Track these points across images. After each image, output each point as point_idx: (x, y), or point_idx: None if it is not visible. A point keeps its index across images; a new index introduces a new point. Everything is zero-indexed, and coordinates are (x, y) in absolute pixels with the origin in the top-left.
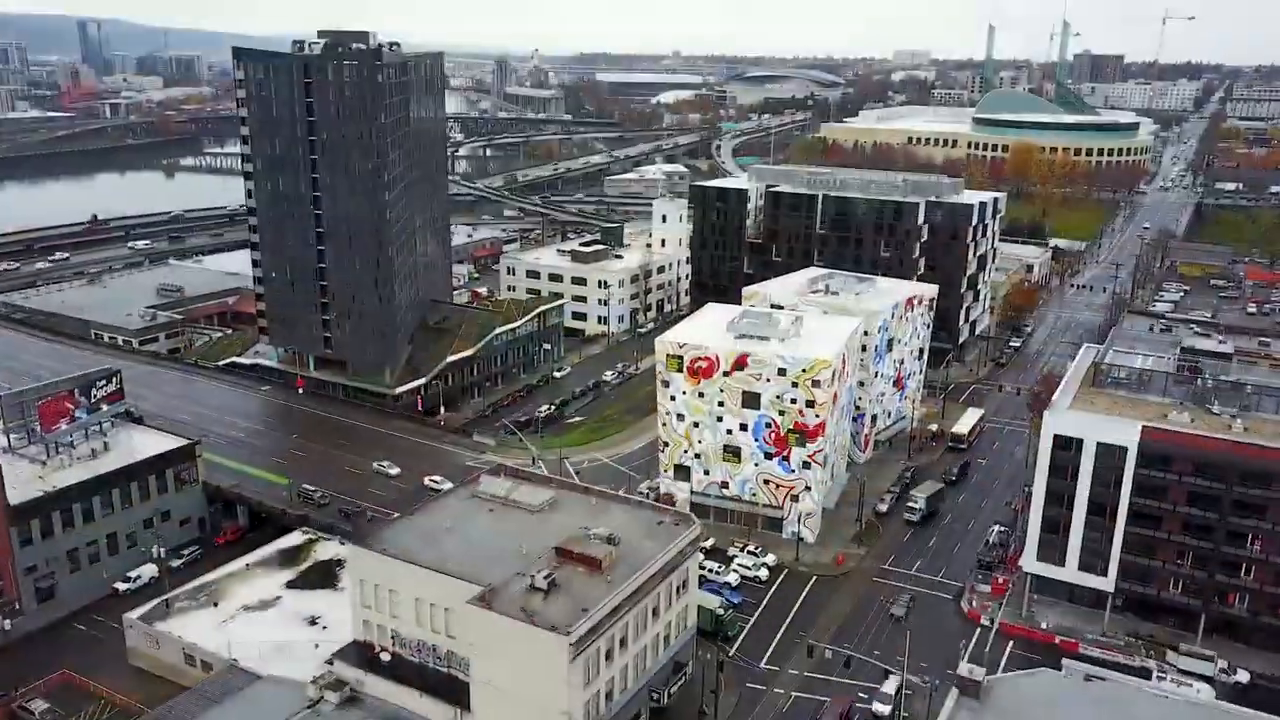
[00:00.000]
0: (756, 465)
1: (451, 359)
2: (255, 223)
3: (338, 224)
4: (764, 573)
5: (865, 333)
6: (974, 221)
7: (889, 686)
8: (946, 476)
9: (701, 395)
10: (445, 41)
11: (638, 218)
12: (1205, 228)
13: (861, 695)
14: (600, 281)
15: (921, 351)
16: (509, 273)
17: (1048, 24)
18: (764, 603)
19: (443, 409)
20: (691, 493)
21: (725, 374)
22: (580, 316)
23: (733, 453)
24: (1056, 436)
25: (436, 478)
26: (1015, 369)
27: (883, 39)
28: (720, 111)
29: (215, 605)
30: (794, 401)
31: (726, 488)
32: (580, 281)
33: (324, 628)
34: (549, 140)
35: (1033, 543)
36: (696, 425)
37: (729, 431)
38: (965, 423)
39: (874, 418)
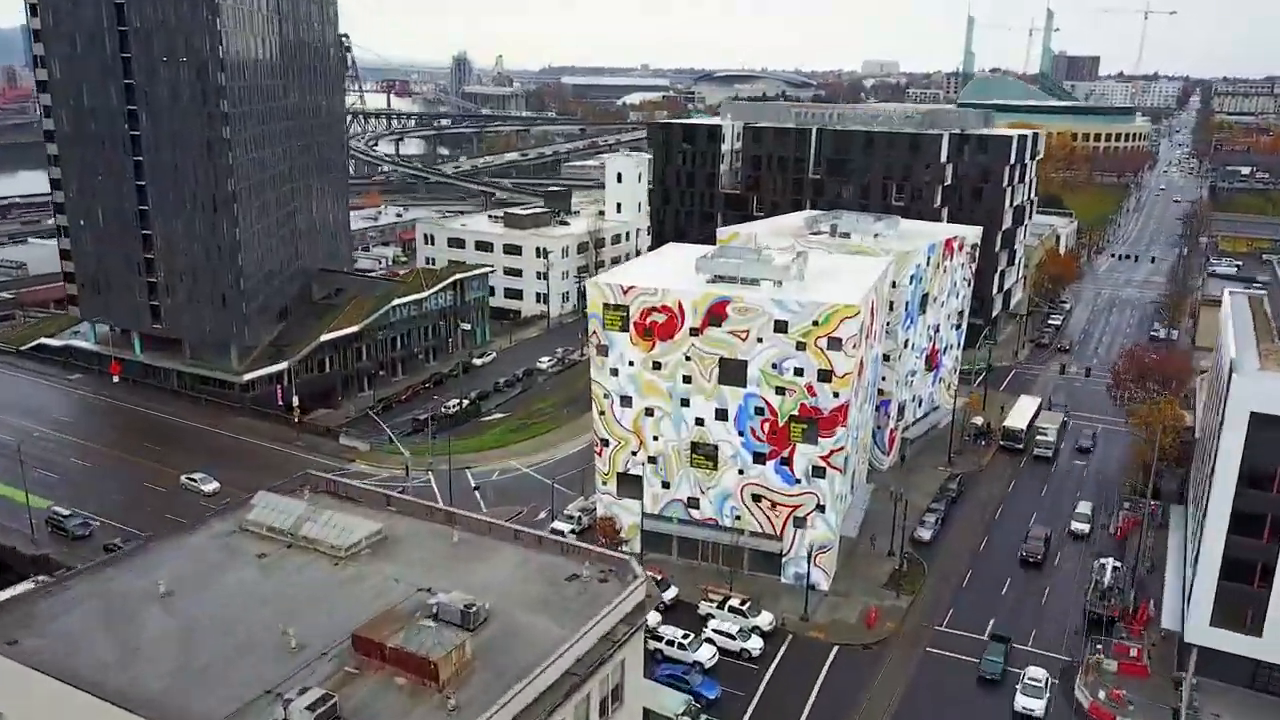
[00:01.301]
0: (742, 473)
1: (327, 338)
2: (56, 151)
3: (161, 154)
4: (756, 643)
5: (893, 284)
6: (1011, 160)
7: None
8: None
9: (658, 367)
10: (414, 59)
11: (594, 188)
12: (1222, 209)
13: None
14: (539, 250)
15: (961, 316)
16: (426, 241)
17: (1021, 33)
18: (758, 694)
19: (304, 403)
20: (643, 516)
21: (694, 332)
22: (515, 294)
23: (705, 455)
24: (1258, 417)
25: (197, 476)
26: (1060, 350)
27: (851, 54)
28: (690, 106)
29: None
30: (799, 373)
31: (696, 508)
32: (514, 250)
33: None
34: (505, 131)
35: (1204, 596)
36: (650, 413)
37: (699, 422)
38: (1021, 414)
39: (901, 408)
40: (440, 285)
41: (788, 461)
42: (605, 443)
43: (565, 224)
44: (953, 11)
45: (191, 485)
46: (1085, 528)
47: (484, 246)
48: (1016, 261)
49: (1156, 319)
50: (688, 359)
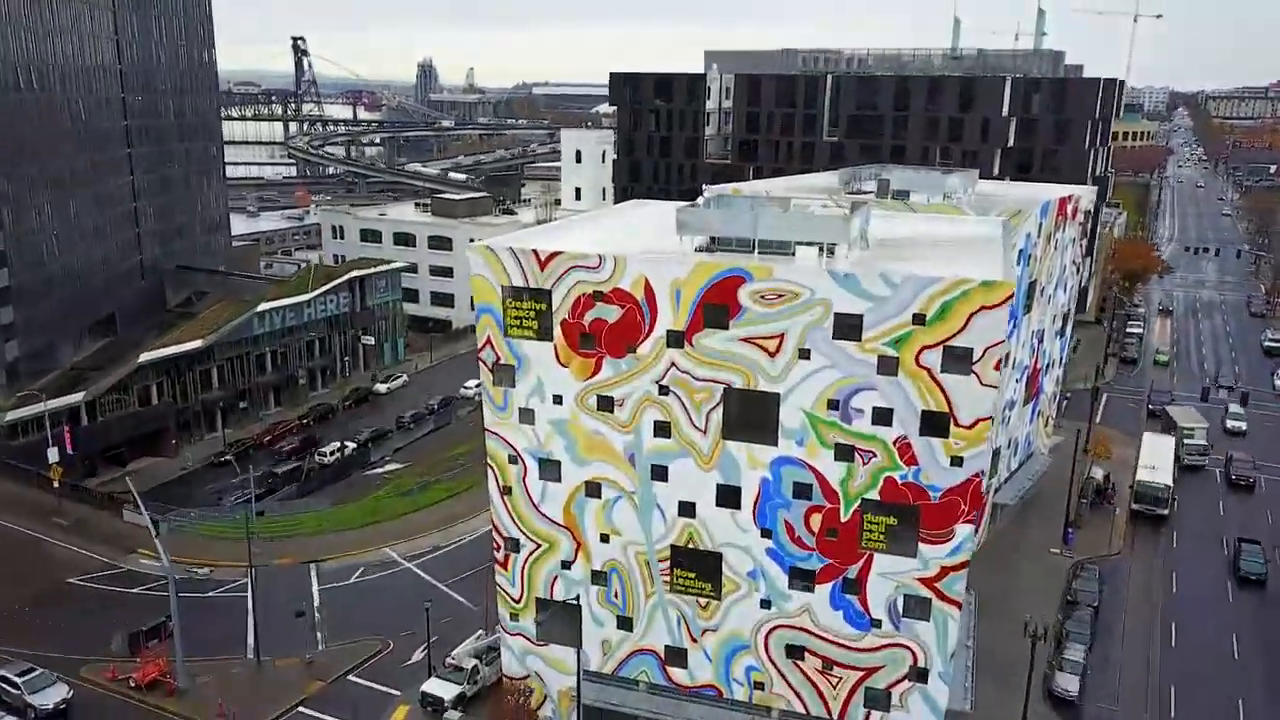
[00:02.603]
0: (768, 606)
1: (148, 359)
2: None
3: None
4: None
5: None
6: (1095, 114)
7: None
8: None
9: (607, 406)
10: (392, 77)
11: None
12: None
13: None
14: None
15: (1067, 318)
16: (335, 235)
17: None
18: None
19: (97, 458)
20: (581, 679)
21: (676, 339)
22: (444, 300)
23: (699, 571)
24: None
25: None
26: (1153, 367)
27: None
28: None
29: None
30: (885, 418)
31: (681, 666)
32: (443, 245)
33: None
34: (468, 133)
35: None
36: (595, 493)
37: (686, 510)
38: (1157, 462)
39: (995, 454)
40: (329, 285)
41: (856, 586)
42: (513, 544)
43: (511, 213)
44: (937, 15)
45: None
46: None
47: (405, 240)
48: (1095, 249)
49: (1267, 326)
50: (664, 391)
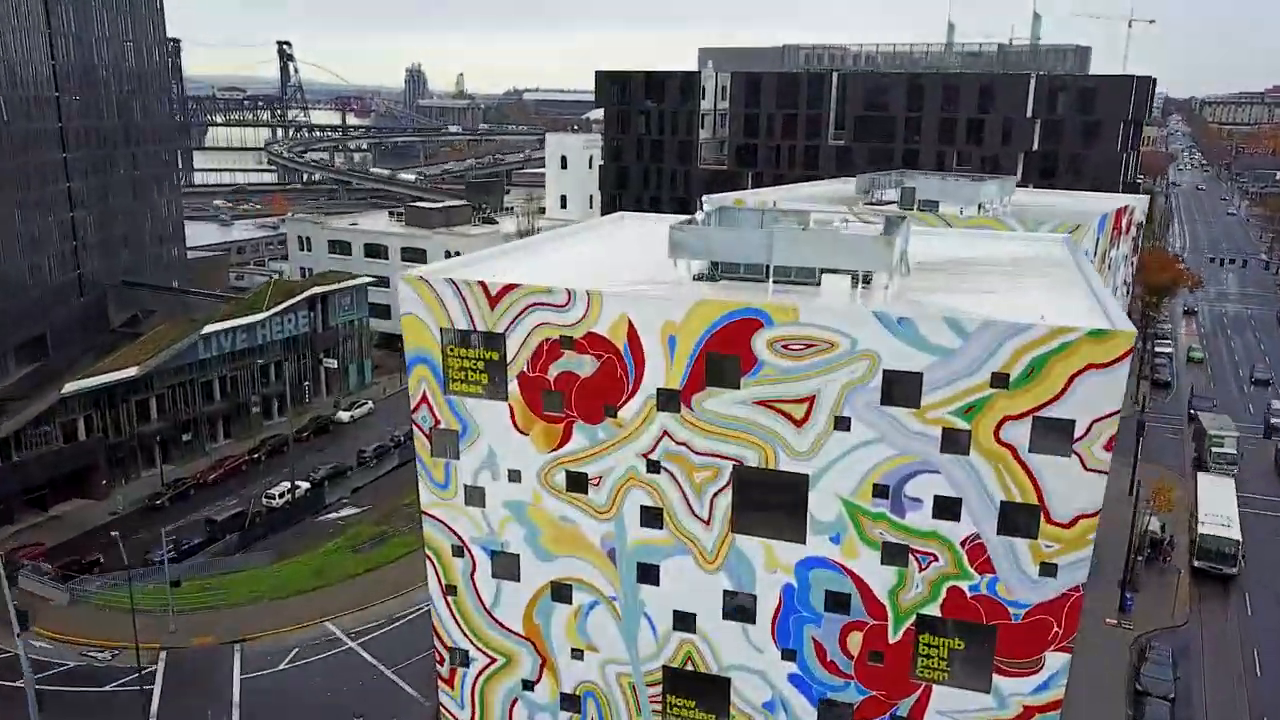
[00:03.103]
0: None
1: (71, 390)
2: None
3: None
4: None
5: None
6: (1128, 115)
7: None
8: None
9: (579, 485)
10: (382, 84)
11: (535, 190)
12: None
13: None
14: (450, 255)
15: None
16: (302, 247)
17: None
18: None
19: (15, 500)
20: None
21: (669, 399)
22: None
23: (703, 702)
24: None
25: None
26: (1187, 368)
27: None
28: None
29: None
30: (951, 510)
31: None
32: (417, 257)
33: None
34: (455, 140)
35: None
36: (563, 596)
37: (684, 622)
38: (1221, 510)
39: None
40: (287, 304)
41: None
42: (460, 657)
43: (492, 222)
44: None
45: None
46: None
47: (376, 252)
48: (1127, 260)
49: None
50: (653, 468)
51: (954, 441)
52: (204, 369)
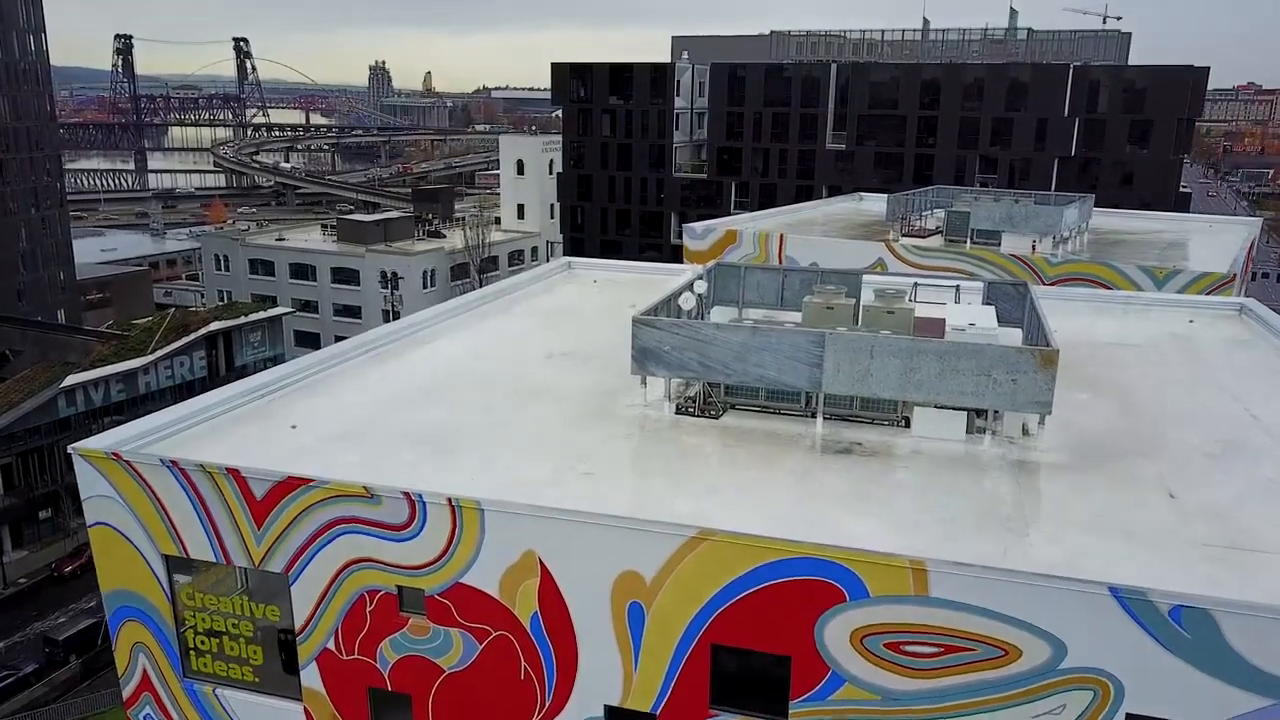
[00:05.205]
0: None
1: None
2: None
3: None
4: None
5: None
6: (1184, 113)
7: None
8: None
9: None
10: (349, 83)
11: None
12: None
13: None
14: (386, 277)
15: None
16: (219, 266)
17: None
18: None
19: None
20: None
21: None
22: None
23: None
24: None
25: None
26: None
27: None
28: None
29: None
30: None
31: None
32: (349, 278)
33: None
34: (418, 139)
35: None
36: None
37: None
38: None
39: None
40: (175, 345)
41: None
42: None
43: (439, 235)
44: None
45: None
46: None
47: (304, 273)
48: None
49: None
50: None
51: None
52: (67, 429)
